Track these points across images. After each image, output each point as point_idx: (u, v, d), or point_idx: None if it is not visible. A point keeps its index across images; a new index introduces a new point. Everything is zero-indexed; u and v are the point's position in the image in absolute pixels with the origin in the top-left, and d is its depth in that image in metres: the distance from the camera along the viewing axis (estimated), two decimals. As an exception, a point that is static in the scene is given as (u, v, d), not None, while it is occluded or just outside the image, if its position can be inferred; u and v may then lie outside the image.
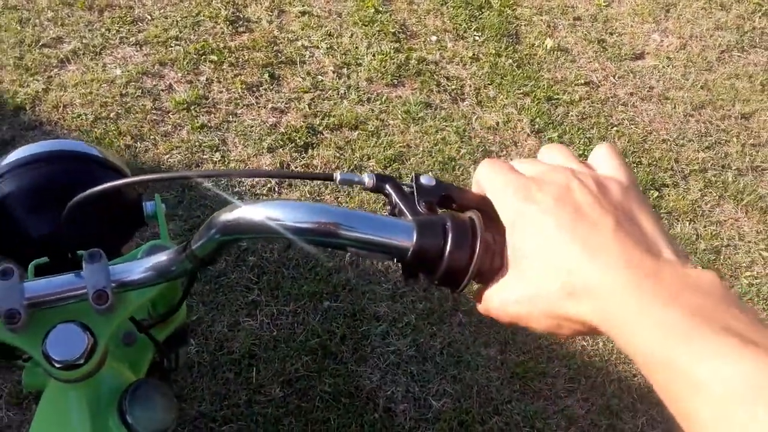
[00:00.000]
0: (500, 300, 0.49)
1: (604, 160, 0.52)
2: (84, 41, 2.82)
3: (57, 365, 0.66)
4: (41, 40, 2.80)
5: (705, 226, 2.63)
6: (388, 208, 0.58)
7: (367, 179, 0.59)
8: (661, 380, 0.39)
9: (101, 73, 2.70)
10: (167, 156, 2.44)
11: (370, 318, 2.12)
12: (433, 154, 2.69)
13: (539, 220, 0.46)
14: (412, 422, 1.90)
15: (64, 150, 0.88)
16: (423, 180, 0.58)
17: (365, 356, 2.03)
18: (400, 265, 0.54)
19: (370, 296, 2.18)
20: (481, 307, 0.53)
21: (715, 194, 2.76)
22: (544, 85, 3.10)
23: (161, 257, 0.68)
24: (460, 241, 0.50)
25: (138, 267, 0.68)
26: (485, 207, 0.54)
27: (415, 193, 0.56)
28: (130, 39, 2.87)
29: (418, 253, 0.51)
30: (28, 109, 2.53)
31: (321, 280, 2.18)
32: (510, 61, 3.18)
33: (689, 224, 2.62)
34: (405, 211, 0.55)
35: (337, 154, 2.61)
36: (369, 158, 2.63)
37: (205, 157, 2.48)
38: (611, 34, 3.45)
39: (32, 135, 2.43)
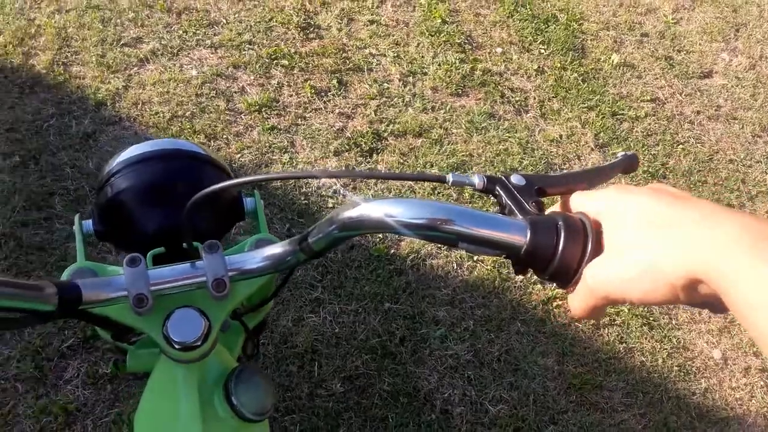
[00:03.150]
0: (601, 277, 0.52)
1: None
2: (162, 42, 2.94)
3: (176, 346, 0.71)
4: (122, 40, 2.92)
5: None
6: (497, 208, 0.62)
7: (477, 180, 0.62)
8: (762, 327, 0.43)
9: (178, 73, 2.81)
10: (239, 155, 2.53)
11: (429, 321, 2.16)
12: (495, 164, 2.72)
13: (645, 198, 0.51)
14: (468, 425, 1.93)
15: (176, 149, 0.94)
16: (514, 179, 0.63)
17: (423, 358, 2.06)
18: (509, 260, 0.57)
19: (430, 300, 2.21)
20: (575, 297, 0.55)
21: (782, 216, 2.71)
22: (609, 99, 3.10)
23: (276, 249, 0.73)
24: (572, 241, 0.53)
25: (253, 257, 0.73)
26: (575, 189, 0.59)
27: (520, 194, 0.60)
28: (206, 41, 2.98)
29: (532, 250, 0.54)
30: (108, 104, 2.65)
31: (382, 282, 2.23)
32: (575, 74, 3.19)
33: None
34: (515, 210, 0.59)
35: (401, 160, 2.66)
36: (432, 165, 2.67)
37: (274, 157, 2.56)
38: (679, 51, 3.43)
39: (113, 130, 2.54)
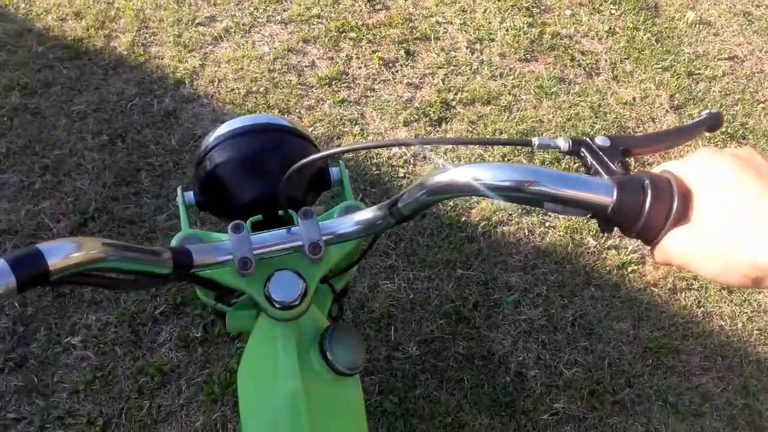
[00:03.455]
0: (683, 248, 0.54)
1: None
2: (234, 20, 3.02)
3: (277, 306, 0.78)
4: (196, 19, 3.02)
5: None
6: (582, 169, 0.64)
7: (563, 143, 0.64)
8: None
9: (251, 50, 2.89)
10: (311, 129, 2.60)
11: (501, 287, 2.19)
12: (566, 129, 2.70)
13: (730, 173, 0.52)
14: (543, 388, 1.96)
15: (267, 123, 1.00)
16: (598, 141, 0.64)
17: (497, 323, 2.10)
18: (594, 219, 0.59)
19: (502, 266, 2.24)
20: (661, 254, 0.57)
21: None
22: (684, 59, 3.01)
23: (367, 214, 0.77)
24: (658, 200, 0.54)
25: (345, 222, 0.79)
26: (660, 148, 0.59)
27: (605, 155, 0.62)
28: (276, 17, 3.05)
29: (618, 209, 0.56)
30: (186, 83, 2.75)
31: (454, 249, 2.27)
32: (648, 35, 3.11)
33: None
34: (601, 171, 0.61)
35: (470, 128, 2.68)
36: (501, 132, 2.67)
37: (345, 130, 2.61)
38: (758, 6, 3.29)
39: (192, 107, 2.65)
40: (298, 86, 2.77)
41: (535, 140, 0.65)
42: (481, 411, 1.91)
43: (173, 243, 0.84)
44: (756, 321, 2.15)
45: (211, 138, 1.00)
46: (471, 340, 2.05)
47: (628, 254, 2.28)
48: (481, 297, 2.15)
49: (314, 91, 2.76)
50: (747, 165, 0.53)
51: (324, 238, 0.78)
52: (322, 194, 1.13)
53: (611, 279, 2.23)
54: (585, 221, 2.37)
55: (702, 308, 2.17)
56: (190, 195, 1.01)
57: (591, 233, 2.34)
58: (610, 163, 0.62)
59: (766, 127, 2.76)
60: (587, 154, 0.63)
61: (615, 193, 0.56)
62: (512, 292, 2.18)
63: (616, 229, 0.59)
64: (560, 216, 2.37)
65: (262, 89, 2.73)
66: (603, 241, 2.32)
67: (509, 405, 1.92)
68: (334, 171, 1.04)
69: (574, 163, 2.48)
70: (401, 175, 2.48)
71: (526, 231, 2.34)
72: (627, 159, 0.63)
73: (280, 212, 0.94)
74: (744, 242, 0.50)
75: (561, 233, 2.33)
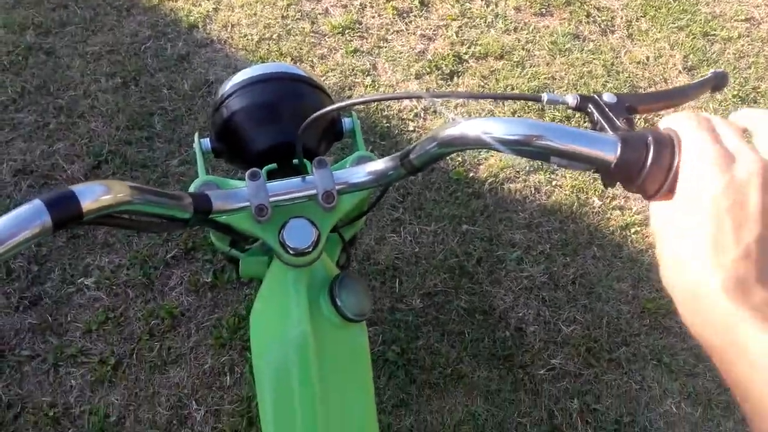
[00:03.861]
0: (664, 221, 0.56)
1: None
2: (248, -37, 2.98)
3: (291, 252, 0.81)
4: (210, -39, 2.99)
5: None
6: (588, 125, 0.66)
7: (571, 99, 0.66)
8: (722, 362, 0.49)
9: (264, -5, 2.87)
10: (323, 78, 2.60)
11: (505, 244, 2.23)
12: (578, 87, 2.69)
13: (703, 190, 0.51)
14: (542, 344, 2.02)
15: (283, 72, 1.02)
16: (606, 98, 0.66)
17: (499, 279, 2.15)
18: (598, 174, 0.61)
19: (507, 223, 2.28)
20: (653, 221, 0.59)
21: None
22: (701, 19, 2.98)
23: (378, 164, 0.80)
24: (660, 157, 0.55)
25: (358, 172, 0.81)
26: (665, 106, 0.61)
27: (612, 112, 0.64)
28: (290, -38, 3.01)
29: (621, 164, 0.57)
30: (200, 27, 2.74)
31: (461, 205, 2.30)
32: (667, -7, 3.07)
33: None
34: (606, 127, 0.63)
35: (482, 83, 2.67)
36: (513, 88, 2.67)
37: (357, 80, 2.61)
38: (782, -34, 3.22)
39: (205, 52, 2.65)
40: (311, 34, 2.75)
41: (545, 96, 0.67)
42: (480, 364, 1.97)
43: (191, 189, 0.86)
44: (753, 286, 2.20)
45: (228, 85, 1.02)
46: (473, 295, 2.10)
47: (632, 215, 2.32)
48: (485, 253, 2.20)
49: (327, 39, 2.75)
50: (730, 198, 0.50)
51: (337, 187, 0.80)
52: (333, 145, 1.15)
53: (614, 239, 2.26)
54: (591, 181, 2.39)
55: (701, 272, 2.21)
56: (206, 142, 1.04)
57: (596, 193, 2.37)
58: (616, 120, 0.63)
59: (779, 93, 2.75)
60: (594, 111, 0.65)
61: (618, 149, 0.57)
62: (516, 249, 2.22)
63: (618, 184, 0.60)
64: (567, 175, 2.39)
65: (275, 36, 2.72)
66: (608, 201, 2.35)
67: (507, 359, 1.98)
68: (346, 122, 1.06)
69: (585, 120, 2.49)
70: (411, 128, 2.49)
71: (533, 189, 2.37)
72: (632, 116, 0.65)
73: (295, 161, 0.96)
74: (679, 280, 0.52)
75: (567, 192, 2.36)
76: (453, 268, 2.15)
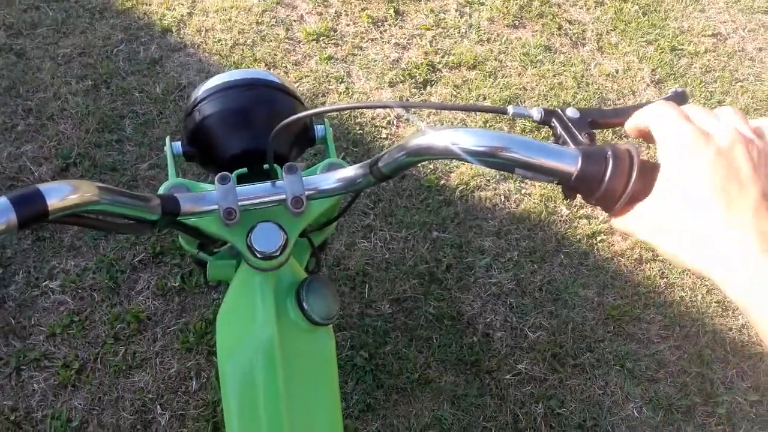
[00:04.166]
0: (641, 222, 0.59)
1: None
2: (224, -31, 2.99)
3: (258, 255, 0.81)
4: (185, -33, 2.99)
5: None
6: (552, 138, 0.68)
7: (536, 113, 0.68)
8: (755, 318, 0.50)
9: (240, 0, 2.87)
10: (297, 84, 2.61)
11: (475, 251, 2.25)
12: (549, 98, 2.73)
13: (696, 171, 0.53)
14: (508, 349, 2.04)
15: (256, 78, 1.03)
16: (569, 113, 0.68)
17: (468, 285, 2.17)
18: (560, 186, 0.63)
19: (477, 231, 2.30)
20: (618, 222, 0.62)
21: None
22: (669, 34, 3.04)
23: (348, 172, 0.81)
24: (618, 170, 0.58)
25: (327, 179, 0.82)
26: (625, 122, 0.64)
27: (574, 126, 0.66)
28: (266, -31, 3.02)
29: (581, 177, 0.60)
30: (174, 31, 2.74)
31: (431, 212, 2.32)
32: (636, 7, 3.13)
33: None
34: (568, 141, 0.65)
35: (454, 93, 2.70)
36: (485, 98, 2.70)
37: (330, 87, 2.63)
38: (748, -17, 3.30)
39: (178, 56, 2.65)
40: (286, 40, 2.76)
41: (510, 108, 0.68)
42: (447, 369, 1.99)
43: (161, 191, 0.86)
44: (715, 294, 2.24)
45: (201, 90, 1.03)
46: (442, 301, 2.12)
47: (599, 224, 2.35)
48: (455, 259, 2.22)
49: (301, 46, 2.76)
50: (720, 163, 0.53)
51: (307, 192, 0.81)
52: (305, 151, 1.16)
53: (581, 247, 2.30)
54: (559, 190, 2.42)
55: (665, 279, 2.26)
56: (177, 145, 1.04)
57: (564, 202, 2.40)
58: (578, 134, 0.65)
59: (742, 105, 2.81)
60: (557, 125, 0.67)
61: (579, 163, 0.60)
62: (485, 256, 2.24)
63: (579, 196, 0.63)
64: (535, 184, 2.42)
65: (249, 41, 2.73)
66: (575, 210, 2.38)
67: (474, 364, 2.00)
68: (319, 128, 1.08)
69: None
70: (384, 135, 2.51)
71: (503, 197, 2.39)
72: (593, 131, 0.67)
73: (265, 166, 0.97)
74: (686, 246, 0.54)
75: (536, 201, 2.39)
76: (423, 275, 2.17)
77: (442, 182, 2.40)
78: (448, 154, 0.66)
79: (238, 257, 1.19)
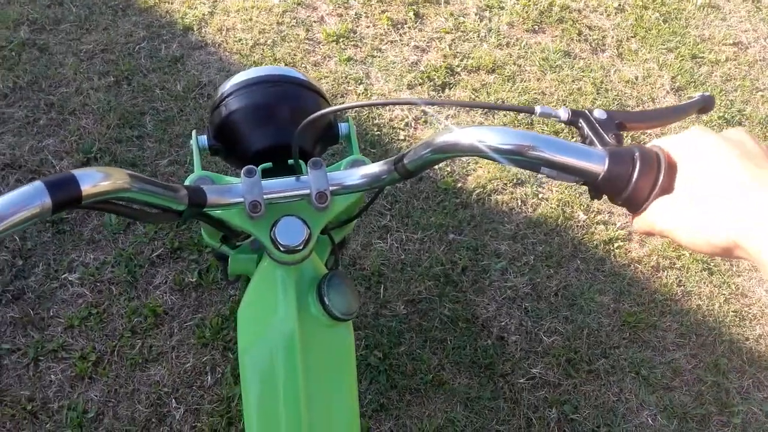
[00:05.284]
0: (664, 215, 0.59)
1: None
2: (246, -31, 3.01)
3: (281, 249, 0.82)
4: (208, -34, 3.01)
5: None
6: (579, 138, 0.68)
7: (563, 113, 0.69)
8: None
9: (261, 1, 2.89)
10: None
11: (491, 254, 2.25)
12: (567, 104, 2.73)
13: (714, 151, 0.56)
14: (522, 353, 2.04)
15: (282, 74, 1.04)
16: (596, 114, 0.68)
17: (483, 288, 2.17)
18: (585, 186, 0.63)
19: (493, 234, 2.30)
20: (640, 220, 0.62)
21: None
22: (689, 42, 3.03)
23: (373, 168, 0.81)
24: (646, 171, 0.58)
25: (352, 175, 0.83)
26: (653, 125, 0.66)
27: (601, 127, 0.66)
28: (287, -30, 3.04)
29: (608, 177, 0.60)
30: (195, 30, 2.76)
31: (448, 214, 2.32)
32: (657, 14, 3.12)
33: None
34: (596, 141, 0.65)
35: (473, 96, 2.70)
36: (504, 102, 2.70)
37: (349, 88, 2.64)
38: (770, -8, 3.29)
39: (199, 55, 2.66)
40: (306, 41, 2.78)
41: (538, 108, 0.69)
42: (461, 371, 1.98)
43: (187, 183, 0.87)
44: (732, 303, 2.22)
45: (228, 85, 1.04)
46: (457, 303, 2.12)
47: (616, 230, 2.34)
48: (470, 262, 2.21)
49: (321, 47, 2.77)
50: (734, 146, 0.56)
51: (331, 188, 0.82)
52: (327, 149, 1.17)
53: (597, 253, 2.29)
54: (576, 195, 2.41)
55: (682, 287, 2.24)
56: (203, 139, 1.05)
57: (582, 207, 2.39)
58: (605, 135, 0.65)
59: (763, 115, 2.80)
60: (584, 125, 0.67)
61: (606, 163, 0.60)
62: (500, 259, 2.24)
63: (605, 197, 0.63)
64: (553, 188, 2.42)
65: (269, 41, 2.75)
66: (593, 216, 2.38)
67: (488, 367, 1.99)
68: (342, 126, 1.08)
69: (574, 135, 2.52)
70: (401, 137, 2.51)
71: (519, 201, 2.39)
72: (621, 133, 0.67)
73: (290, 161, 0.98)
74: (717, 217, 0.54)
75: (553, 205, 2.38)
76: (438, 276, 2.17)
77: (459, 185, 2.40)
78: (474, 152, 0.66)
79: (259, 251, 1.20)
